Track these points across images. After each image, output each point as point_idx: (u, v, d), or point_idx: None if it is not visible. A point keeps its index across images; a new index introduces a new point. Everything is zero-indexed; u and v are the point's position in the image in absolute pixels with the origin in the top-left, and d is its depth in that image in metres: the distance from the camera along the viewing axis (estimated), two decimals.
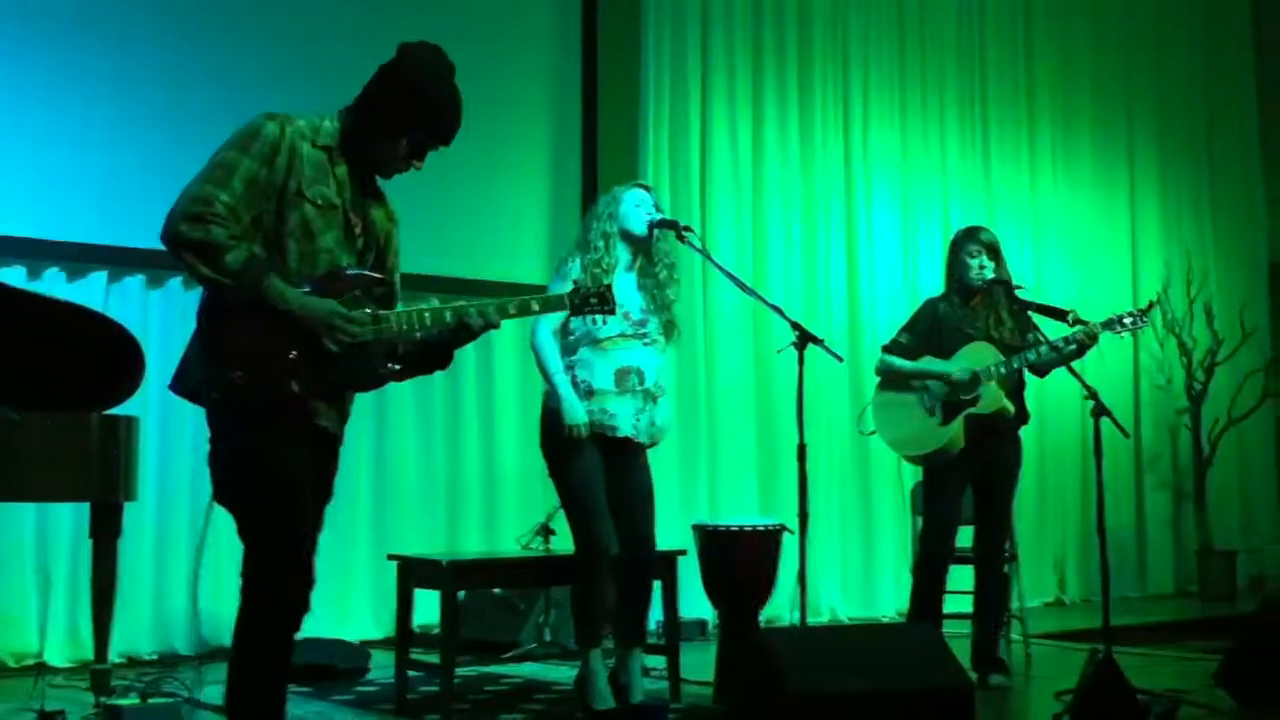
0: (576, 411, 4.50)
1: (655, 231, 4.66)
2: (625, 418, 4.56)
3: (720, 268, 4.76)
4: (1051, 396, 8.41)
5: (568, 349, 4.60)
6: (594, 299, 3.53)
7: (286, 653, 3.19)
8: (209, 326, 3.06)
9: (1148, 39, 9.56)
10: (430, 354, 3.33)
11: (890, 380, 5.38)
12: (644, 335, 4.61)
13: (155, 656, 5.86)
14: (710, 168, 7.49)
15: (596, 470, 4.56)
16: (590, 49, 7.43)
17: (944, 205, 8.35)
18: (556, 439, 4.57)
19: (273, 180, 3.06)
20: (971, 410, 5.18)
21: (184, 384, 3.12)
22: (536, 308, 3.41)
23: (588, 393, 4.52)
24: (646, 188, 4.79)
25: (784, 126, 7.78)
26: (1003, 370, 5.15)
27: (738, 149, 7.60)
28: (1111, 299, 9.04)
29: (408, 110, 3.17)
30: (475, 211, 6.93)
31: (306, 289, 3.07)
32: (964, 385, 5.18)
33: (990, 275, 5.24)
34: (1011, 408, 5.22)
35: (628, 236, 4.64)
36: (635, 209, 4.64)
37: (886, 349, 5.41)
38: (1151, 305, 5.30)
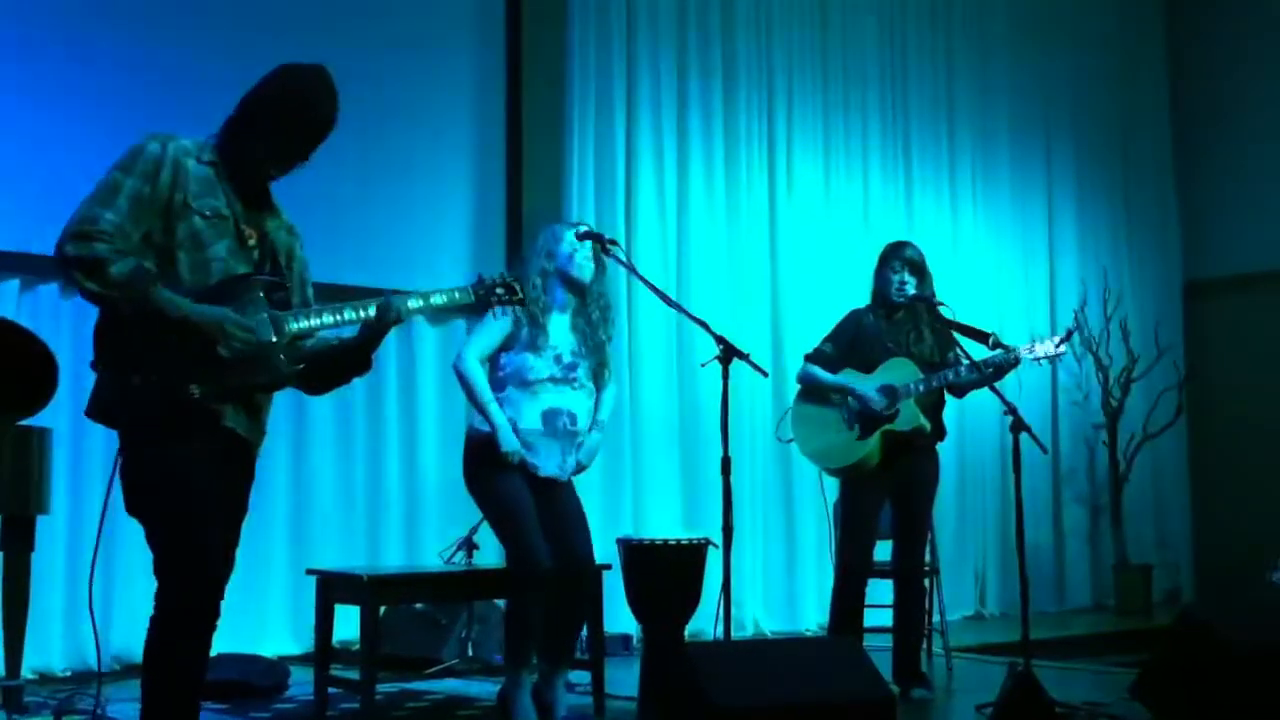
0: (510, 439, 4.47)
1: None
2: (550, 460, 4.55)
3: (645, 281, 4.76)
4: (971, 411, 8.49)
5: (495, 385, 4.57)
6: (500, 289, 3.52)
7: (198, 664, 3.18)
8: (106, 341, 3.10)
9: (1065, 70, 9.68)
10: (347, 360, 3.35)
11: (810, 391, 5.40)
12: (573, 380, 4.59)
13: (68, 673, 5.75)
14: (635, 184, 7.48)
15: (523, 490, 4.53)
16: (514, 67, 7.40)
17: (865, 219, 8.42)
18: (480, 466, 4.53)
19: (157, 196, 3.11)
20: (889, 427, 5.22)
21: (95, 406, 3.15)
22: (439, 301, 3.41)
23: (513, 430, 4.50)
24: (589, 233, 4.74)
25: (709, 145, 7.79)
26: (920, 388, 5.20)
27: (663, 167, 7.59)
28: (1030, 317, 9.19)
29: (275, 119, 3.20)
30: (397, 227, 6.86)
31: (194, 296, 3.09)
32: (883, 402, 5.21)
33: (911, 292, 5.28)
34: (928, 425, 5.27)
35: (565, 279, 4.62)
36: (576, 249, 4.62)
37: (809, 357, 5.43)
38: (1070, 333, 5.40)
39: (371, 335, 3.31)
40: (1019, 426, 4.67)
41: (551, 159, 7.35)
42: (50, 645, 5.71)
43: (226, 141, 3.24)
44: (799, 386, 5.48)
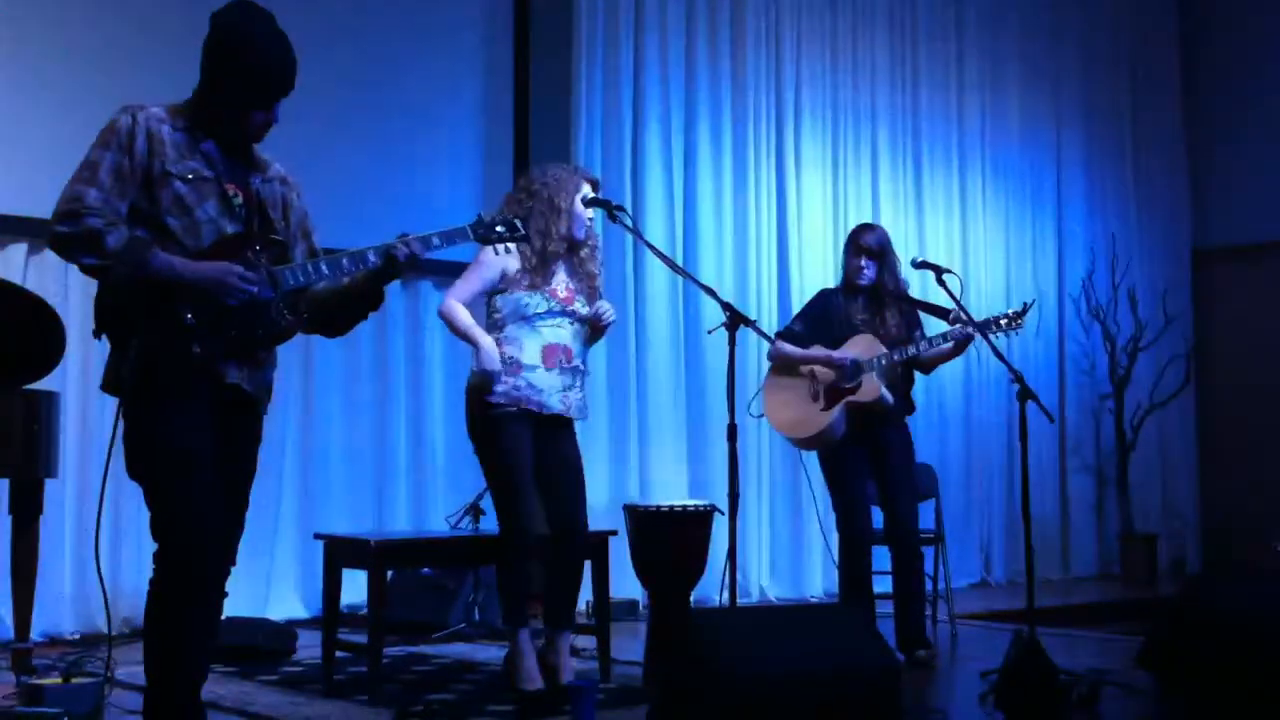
0: (492, 359, 4.46)
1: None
2: (553, 394, 4.54)
3: (652, 247, 4.75)
4: (978, 380, 8.52)
5: (494, 326, 4.58)
6: (501, 227, 3.56)
7: (200, 628, 3.21)
8: (106, 310, 3.14)
9: (1075, 36, 9.64)
10: (358, 302, 3.42)
11: (781, 367, 5.50)
12: (572, 314, 4.59)
13: (77, 636, 5.78)
14: (642, 149, 7.45)
15: (523, 450, 4.53)
16: (522, 27, 7.39)
17: (874, 182, 8.40)
18: (482, 419, 4.54)
19: (135, 167, 3.15)
20: (851, 398, 5.30)
21: (104, 377, 3.22)
22: (437, 242, 3.45)
23: (515, 367, 4.50)
24: (593, 181, 4.74)
25: (716, 108, 7.76)
26: (883, 362, 5.31)
27: (670, 130, 7.56)
28: (1039, 283, 9.16)
29: (231, 75, 3.21)
30: (407, 192, 6.86)
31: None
32: (846, 374, 5.30)
33: (871, 276, 5.41)
34: (890, 398, 5.36)
35: (565, 231, 4.61)
36: (585, 208, 4.62)
37: (779, 335, 5.56)
38: (1026, 308, 5.46)
39: (380, 279, 3.36)
40: (1026, 395, 4.68)
41: (558, 109, 7.31)
42: (59, 608, 5.74)
43: (194, 103, 3.27)
44: (769, 364, 5.56)
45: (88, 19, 6.01)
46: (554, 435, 4.61)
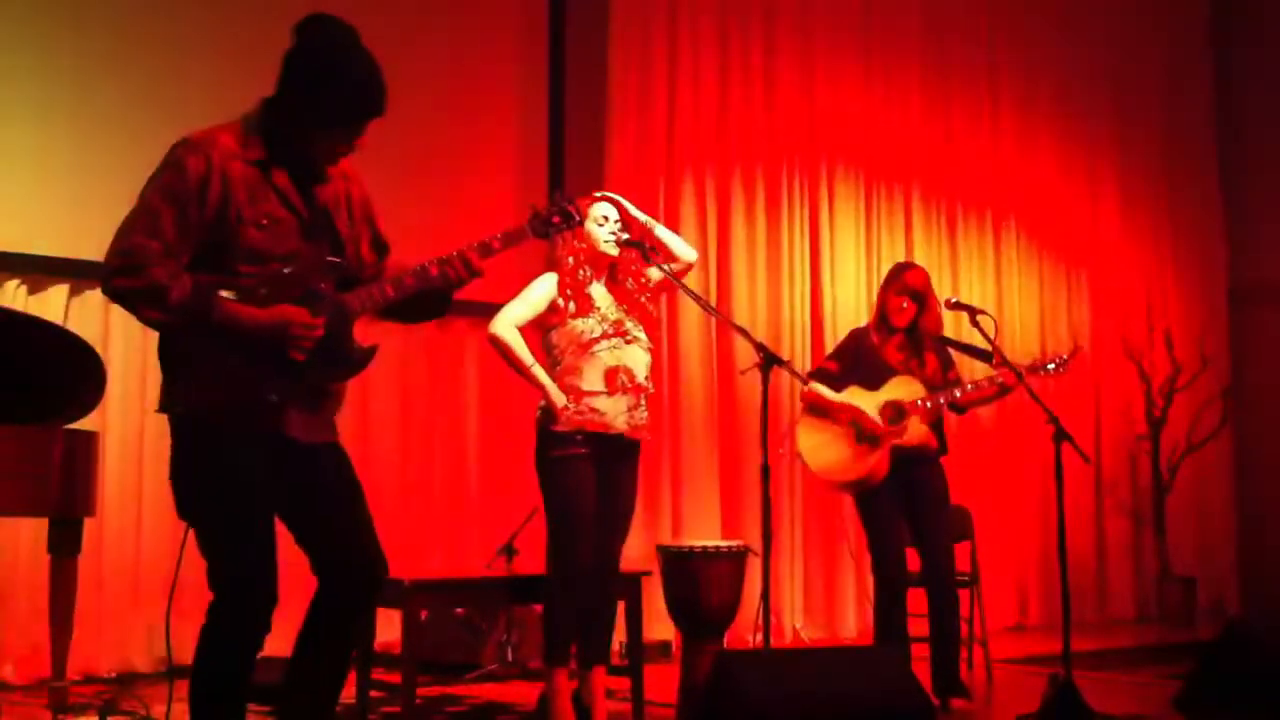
0: (560, 395, 4.50)
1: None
2: (618, 416, 4.56)
3: (685, 288, 4.77)
4: (1013, 421, 8.47)
5: (554, 362, 4.61)
6: (557, 217, 3.42)
7: (249, 669, 3.19)
8: (175, 346, 3.04)
9: (1108, 77, 9.64)
10: (417, 308, 3.34)
11: (815, 406, 5.44)
12: (626, 334, 4.62)
13: (113, 675, 5.80)
14: (675, 187, 7.48)
15: (585, 490, 4.55)
16: (558, 52, 7.46)
17: (905, 223, 8.41)
18: (549, 458, 4.56)
19: (204, 216, 2.99)
20: (897, 442, 5.27)
21: (170, 406, 3.10)
22: (498, 246, 3.31)
23: (576, 396, 4.52)
24: (607, 199, 4.77)
25: (749, 136, 7.79)
26: (926, 405, 5.28)
27: (704, 166, 7.60)
28: (1074, 326, 9.13)
29: (324, 98, 3.05)
30: (441, 224, 6.89)
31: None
32: (890, 417, 5.27)
33: (910, 317, 5.38)
34: (933, 440, 5.33)
35: (592, 256, 4.65)
36: (599, 227, 4.66)
37: (812, 375, 5.49)
38: (1074, 352, 5.42)
39: (447, 289, 3.28)
40: (1061, 436, 4.66)
41: (593, 141, 7.34)
42: (97, 647, 5.76)
43: (289, 135, 3.08)
44: (803, 404, 5.52)
45: (131, 60, 6.07)
46: (617, 463, 4.64)
